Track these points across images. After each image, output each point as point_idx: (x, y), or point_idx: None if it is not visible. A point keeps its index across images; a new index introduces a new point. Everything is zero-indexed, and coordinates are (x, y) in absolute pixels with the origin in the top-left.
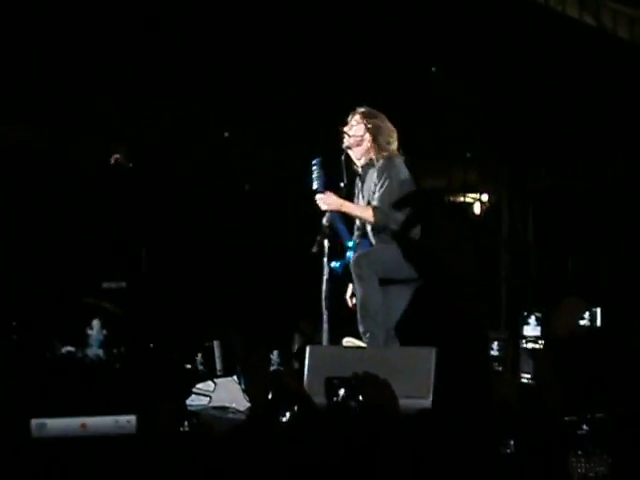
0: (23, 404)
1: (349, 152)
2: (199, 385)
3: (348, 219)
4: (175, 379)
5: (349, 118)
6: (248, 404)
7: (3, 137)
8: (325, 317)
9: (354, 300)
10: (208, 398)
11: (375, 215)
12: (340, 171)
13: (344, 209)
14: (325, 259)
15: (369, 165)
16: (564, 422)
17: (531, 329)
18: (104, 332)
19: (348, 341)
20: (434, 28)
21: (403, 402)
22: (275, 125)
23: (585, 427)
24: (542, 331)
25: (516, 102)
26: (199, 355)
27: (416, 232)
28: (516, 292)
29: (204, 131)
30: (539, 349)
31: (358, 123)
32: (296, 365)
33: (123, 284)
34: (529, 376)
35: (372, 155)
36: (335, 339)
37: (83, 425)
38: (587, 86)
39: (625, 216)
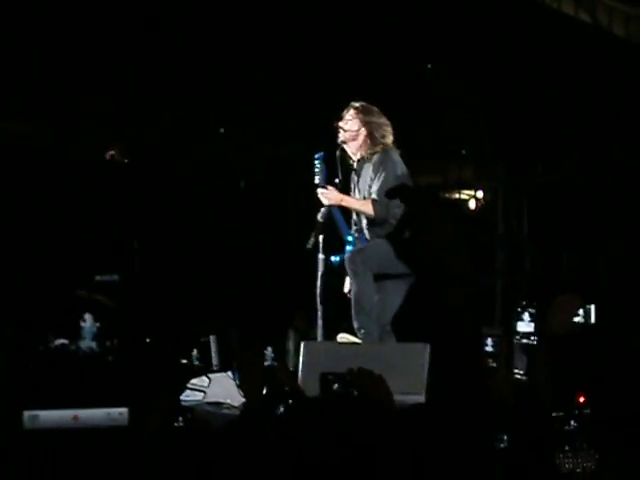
0: (16, 396)
1: (345, 147)
2: (194, 380)
3: (346, 213)
4: (169, 373)
5: (344, 113)
6: (243, 400)
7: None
8: (320, 313)
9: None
10: (203, 393)
11: (375, 208)
12: (335, 167)
13: (344, 203)
14: (320, 255)
15: (365, 159)
16: (552, 418)
17: (525, 325)
18: (97, 325)
19: (343, 337)
20: (430, 26)
21: (397, 398)
22: (271, 122)
23: (573, 423)
24: (536, 327)
25: (511, 99)
26: (195, 350)
27: (411, 228)
28: (511, 288)
29: (199, 127)
30: (533, 345)
31: (353, 118)
32: (293, 361)
33: (116, 277)
34: (523, 372)
35: (368, 149)
36: (330, 335)
37: (75, 417)
38: (583, 83)
39: (621, 213)
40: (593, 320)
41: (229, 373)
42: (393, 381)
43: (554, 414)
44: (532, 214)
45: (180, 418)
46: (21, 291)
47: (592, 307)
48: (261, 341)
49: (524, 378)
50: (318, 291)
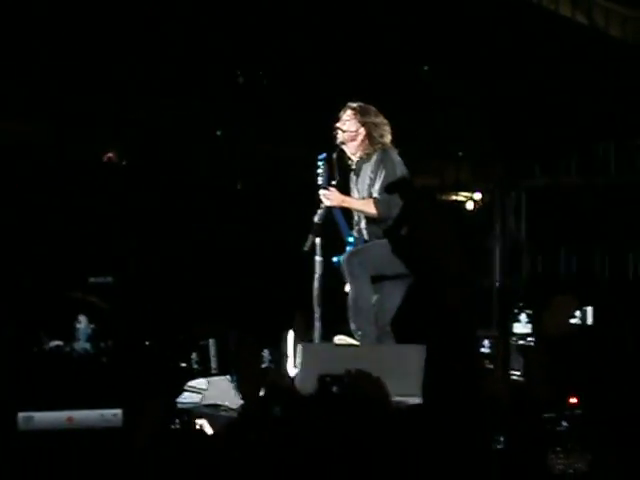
0: (11, 397)
1: (343, 147)
2: (191, 383)
3: (348, 214)
4: (166, 376)
5: (341, 114)
6: (240, 402)
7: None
8: (317, 315)
9: None
10: (200, 396)
11: (377, 207)
12: (332, 168)
13: (346, 204)
14: (317, 257)
15: (363, 159)
16: (544, 419)
17: (522, 326)
18: (91, 326)
19: (340, 339)
20: (428, 27)
21: (395, 400)
22: (269, 123)
23: (564, 423)
24: (533, 329)
25: (509, 100)
26: (194, 354)
27: (409, 228)
28: (508, 290)
29: (196, 129)
30: (530, 346)
31: (351, 118)
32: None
33: (110, 279)
34: (520, 373)
35: (367, 149)
36: (327, 337)
37: (70, 418)
38: (580, 84)
39: (618, 215)
40: (590, 321)
41: (227, 376)
42: (390, 383)
43: (546, 415)
44: (529, 215)
45: (177, 420)
46: (16, 293)
47: (589, 309)
48: (258, 343)
49: (521, 379)
50: (315, 293)
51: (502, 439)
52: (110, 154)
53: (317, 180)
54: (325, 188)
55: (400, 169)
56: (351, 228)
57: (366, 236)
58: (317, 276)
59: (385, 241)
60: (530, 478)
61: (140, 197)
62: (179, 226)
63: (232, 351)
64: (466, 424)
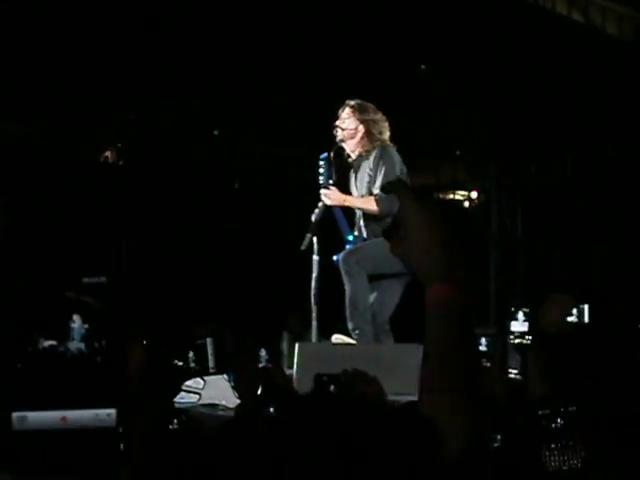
0: (4, 397)
1: (343, 145)
2: (188, 382)
3: (349, 213)
4: (163, 375)
5: (340, 112)
6: (238, 401)
7: None
8: (314, 314)
9: None
10: (197, 396)
11: (379, 204)
12: (329, 168)
13: (347, 203)
14: (314, 256)
15: (362, 157)
16: (539, 415)
17: (519, 325)
18: (86, 326)
19: (337, 338)
20: (424, 27)
21: (392, 399)
22: (266, 123)
23: (559, 420)
24: (530, 327)
25: (505, 99)
26: (191, 352)
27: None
28: (504, 288)
29: (193, 129)
30: (527, 345)
31: (350, 116)
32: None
33: (103, 279)
34: (517, 371)
35: (366, 146)
36: (324, 336)
37: (64, 418)
38: (576, 83)
39: (614, 213)
40: (587, 320)
41: (224, 375)
42: (388, 382)
43: (541, 412)
44: (526, 214)
45: (175, 420)
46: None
47: (586, 307)
48: (255, 342)
49: (518, 377)
50: (312, 292)
51: (499, 437)
52: (107, 153)
53: (318, 179)
54: (326, 187)
55: (399, 166)
56: (352, 227)
57: (365, 234)
58: (314, 275)
59: (382, 239)
60: (524, 475)
61: (135, 197)
62: (175, 225)
63: (229, 351)
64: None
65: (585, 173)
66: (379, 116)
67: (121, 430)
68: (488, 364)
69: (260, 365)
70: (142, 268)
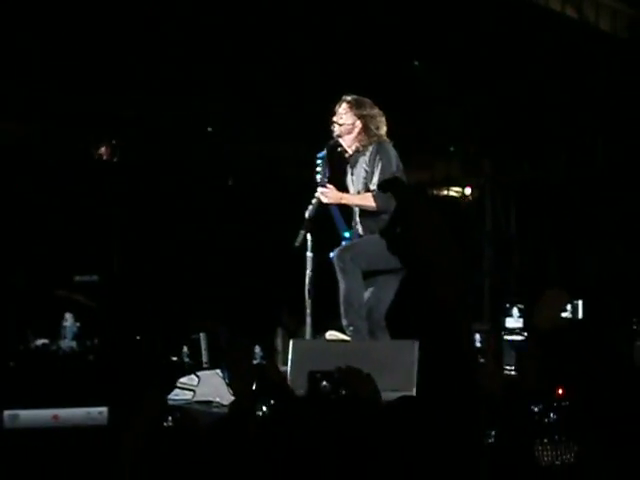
0: None
1: (340, 141)
2: (183, 379)
3: (346, 210)
4: (158, 372)
5: (337, 107)
6: (232, 398)
7: None
8: (308, 310)
9: None
10: (192, 392)
11: (376, 200)
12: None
13: (344, 201)
14: (308, 252)
15: (359, 152)
16: (532, 410)
17: (514, 321)
18: (78, 324)
19: (331, 334)
20: (417, 22)
21: (387, 395)
22: (259, 120)
23: (552, 415)
24: (524, 323)
25: (498, 96)
26: (185, 347)
27: (402, 223)
28: (499, 284)
29: (187, 126)
30: (522, 341)
31: (347, 112)
32: (281, 359)
33: (95, 277)
34: (511, 368)
35: (363, 141)
36: (318, 333)
37: (55, 416)
38: (570, 79)
39: (607, 210)
40: (581, 315)
41: (218, 371)
42: (383, 378)
43: (534, 407)
44: (519, 211)
45: (169, 418)
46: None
47: (580, 302)
48: (250, 339)
49: (513, 373)
50: (307, 289)
51: (493, 433)
52: (102, 150)
53: (315, 178)
54: (323, 186)
55: (396, 162)
56: (349, 224)
57: (361, 231)
58: (308, 272)
59: (377, 236)
60: (518, 470)
61: (128, 195)
62: (170, 223)
63: (224, 348)
64: (458, 418)
65: (579, 170)
66: (376, 111)
67: (113, 428)
68: (482, 360)
69: (254, 362)
70: (135, 266)
